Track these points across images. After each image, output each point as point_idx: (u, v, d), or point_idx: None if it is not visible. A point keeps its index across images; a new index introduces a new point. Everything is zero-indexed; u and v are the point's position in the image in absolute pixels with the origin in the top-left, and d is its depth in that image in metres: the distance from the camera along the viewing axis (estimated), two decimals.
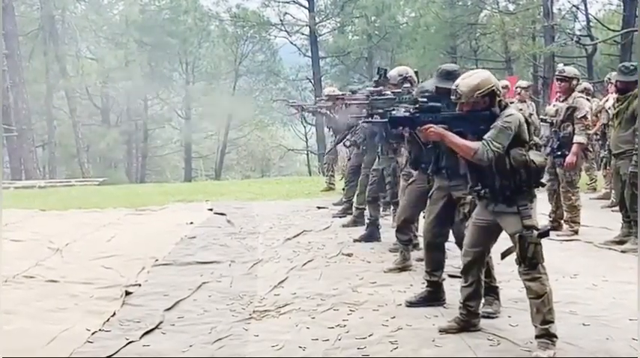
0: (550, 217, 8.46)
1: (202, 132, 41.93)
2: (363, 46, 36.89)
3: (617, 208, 8.10)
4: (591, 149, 9.81)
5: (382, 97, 5.99)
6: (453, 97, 4.47)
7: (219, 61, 40.80)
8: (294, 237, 8.40)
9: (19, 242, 8.53)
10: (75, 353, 4.58)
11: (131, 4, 35.42)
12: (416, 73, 6.99)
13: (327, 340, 4.72)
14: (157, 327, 5.10)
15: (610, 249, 7.39)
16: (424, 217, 5.68)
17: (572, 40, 26.98)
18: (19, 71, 27.31)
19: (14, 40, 27.30)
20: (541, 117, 9.60)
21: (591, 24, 30.83)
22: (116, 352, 4.56)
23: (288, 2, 36.52)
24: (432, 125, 4.38)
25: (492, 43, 33.06)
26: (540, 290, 4.38)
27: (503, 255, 4.65)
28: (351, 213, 9.34)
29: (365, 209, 8.48)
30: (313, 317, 5.25)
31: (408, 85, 6.70)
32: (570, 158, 7.95)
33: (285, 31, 37.36)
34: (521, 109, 10.94)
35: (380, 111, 5.97)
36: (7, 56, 26.82)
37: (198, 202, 12.19)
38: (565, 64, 28.50)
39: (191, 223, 9.58)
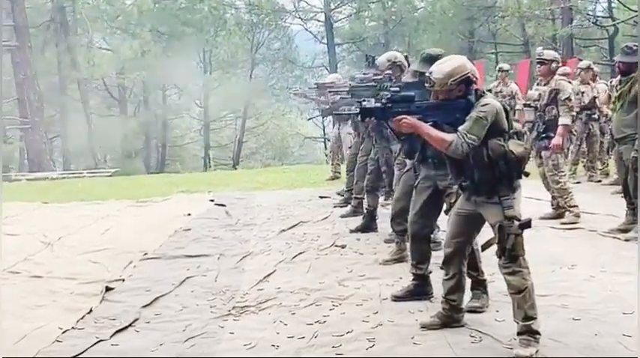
0: (553, 205, 8.21)
1: (221, 121, 41.87)
2: (379, 31, 36.71)
3: None
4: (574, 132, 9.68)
5: (362, 85, 5.73)
6: (426, 85, 4.28)
7: (235, 50, 40.41)
8: (290, 228, 8.23)
9: (14, 236, 8.43)
10: (41, 353, 4.46)
11: None
12: (406, 57, 6.76)
13: (303, 337, 4.57)
14: (130, 325, 4.99)
15: (614, 237, 7.12)
16: None
17: (590, 21, 26.48)
18: (30, 63, 27.26)
19: (24, 32, 27.25)
20: (524, 102, 9.43)
21: (613, 5, 30.29)
22: (82, 352, 4.43)
23: None
24: (404, 116, 4.18)
25: (510, 27, 32.45)
26: (521, 284, 4.15)
27: (484, 247, 4.46)
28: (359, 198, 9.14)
29: (364, 198, 8.28)
30: (293, 313, 5.09)
31: (398, 71, 6.49)
32: (556, 140, 7.75)
33: (300, 17, 37.08)
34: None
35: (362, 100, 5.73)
36: (17, 48, 26.84)
37: (202, 193, 12.04)
38: (585, 46, 27.99)
39: (189, 215, 9.44)
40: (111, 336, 4.71)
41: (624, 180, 7.20)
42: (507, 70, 13.62)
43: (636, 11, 27.31)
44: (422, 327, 4.61)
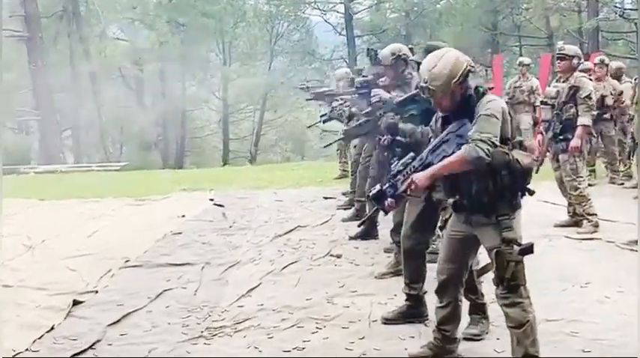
0: (569, 212, 7.63)
1: (240, 113, 41.49)
2: (400, 23, 35.83)
3: None
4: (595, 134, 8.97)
5: (355, 126, 5.23)
6: (425, 96, 3.70)
7: (255, 41, 40.04)
8: (286, 233, 7.74)
9: None
10: None
11: None
12: (411, 49, 6.21)
13: None
14: (91, 347, 4.53)
15: (632, 250, 6.53)
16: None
17: (617, 13, 25.62)
18: (41, 54, 26.91)
19: (36, 22, 26.90)
20: (541, 99, 8.77)
21: None
22: None
23: None
24: (411, 178, 3.60)
25: (534, 19, 31.51)
26: (522, 318, 3.62)
27: (479, 273, 3.93)
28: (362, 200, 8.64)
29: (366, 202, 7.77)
30: (271, 337, 4.60)
31: (402, 65, 5.95)
32: (575, 141, 7.11)
33: (319, 9, 36.54)
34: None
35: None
36: (28, 39, 26.56)
37: (204, 191, 11.59)
38: (612, 40, 27.07)
39: (183, 216, 8.98)
40: None
41: None
42: (528, 64, 12.95)
43: None
44: None
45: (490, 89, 3.69)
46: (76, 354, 4.37)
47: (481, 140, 3.35)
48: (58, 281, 6.03)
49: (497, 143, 3.40)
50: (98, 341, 4.60)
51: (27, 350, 4.47)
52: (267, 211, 9.33)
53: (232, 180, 13.48)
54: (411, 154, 3.77)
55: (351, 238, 7.28)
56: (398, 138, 4.60)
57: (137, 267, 6.49)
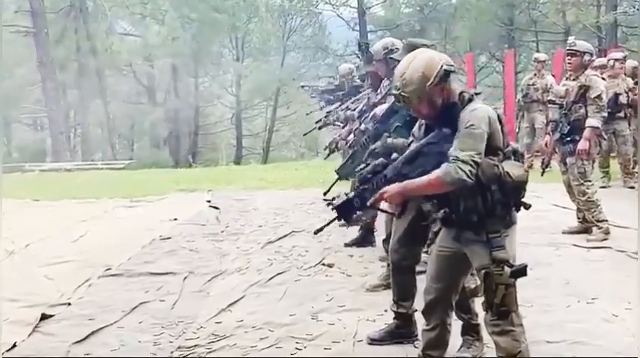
0: (578, 218, 7.21)
1: (253, 110, 41.26)
2: (414, 18, 35.31)
3: None
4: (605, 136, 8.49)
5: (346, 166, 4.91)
6: (400, 104, 3.34)
7: (267, 37, 39.76)
8: (279, 239, 7.38)
9: None
10: None
11: None
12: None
13: None
14: None
15: None
16: None
17: (636, 7, 25.02)
18: (47, 49, 26.63)
19: (41, 17, 26.64)
20: (549, 98, 8.32)
21: None
22: None
23: None
24: (383, 190, 3.21)
25: (550, 13, 30.91)
26: (512, 348, 3.24)
27: (469, 296, 3.54)
28: None
29: None
30: None
31: (394, 61, 5.56)
32: (582, 144, 6.67)
33: (331, 4, 36.16)
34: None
35: None
36: (34, 34, 26.35)
37: (201, 192, 11.25)
38: (631, 34, 26.39)
39: (175, 219, 8.64)
40: None
41: None
42: (544, 61, 12.41)
43: None
44: None
45: (477, 94, 3.28)
46: None
47: (463, 161, 2.97)
48: (32, 292, 5.69)
49: (480, 160, 3.02)
50: None
51: None
52: (263, 214, 8.98)
53: (234, 180, 13.16)
54: (381, 160, 3.37)
55: (346, 245, 6.93)
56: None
57: (117, 276, 6.14)
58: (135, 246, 7.23)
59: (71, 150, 28.03)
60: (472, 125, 3.05)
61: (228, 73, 40.05)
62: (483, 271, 3.19)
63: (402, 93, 3.18)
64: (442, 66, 3.16)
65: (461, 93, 3.22)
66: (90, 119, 29.66)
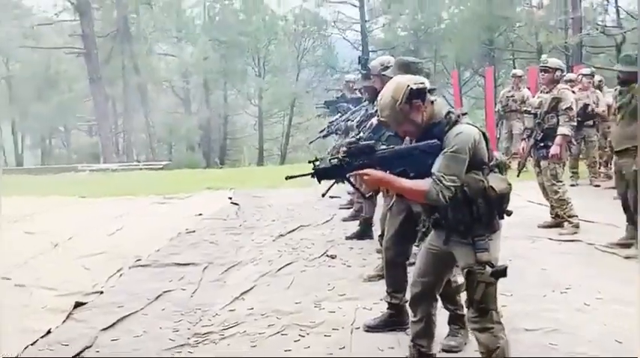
0: (552, 214, 6.91)
1: (272, 118, 41.18)
2: (409, 40, 34.97)
3: None
4: (574, 142, 8.22)
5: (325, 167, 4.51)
6: (385, 128, 3.10)
7: (284, 57, 39.72)
8: (289, 233, 7.09)
9: (30, 234, 7.54)
10: None
11: (207, 8, 34.79)
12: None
13: None
14: (79, 354, 3.91)
15: (613, 253, 5.79)
16: None
17: (598, 30, 24.64)
18: (97, 68, 26.52)
19: (92, 40, 26.50)
20: (524, 108, 8.06)
21: (621, 15, 28.40)
22: None
23: (341, 2, 35.12)
24: (367, 171, 2.88)
25: (525, 35, 30.56)
26: (492, 344, 2.93)
27: (456, 290, 3.24)
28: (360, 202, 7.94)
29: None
30: (254, 346, 3.95)
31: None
32: (554, 149, 6.48)
33: (338, 28, 35.96)
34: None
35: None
36: (86, 55, 26.21)
37: (225, 190, 10.98)
38: (594, 54, 26.04)
39: (200, 215, 8.37)
40: None
41: (624, 195, 5.86)
42: (521, 76, 12.12)
43: None
44: None
45: (464, 114, 2.97)
46: None
47: (446, 186, 2.73)
48: (70, 281, 5.44)
49: (458, 184, 2.77)
50: (88, 347, 3.99)
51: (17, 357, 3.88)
52: (277, 210, 8.72)
53: (254, 179, 12.89)
54: (372, 142, 3.08)
55: (347, 238, 6.64)
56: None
57: (146, 267, 5.87)
58: (164, 238, 6.99)
59: (117, 153, 27.85)
60: (457, 150, 2.76)
61: (252, 87, 39.97)
62: (466, 270, 2.91)
63: (381, 119, 2.97)
64: (409, 86, 2.87)
65: (448, 113, 2.91)
66: (134, 126, 29.50)
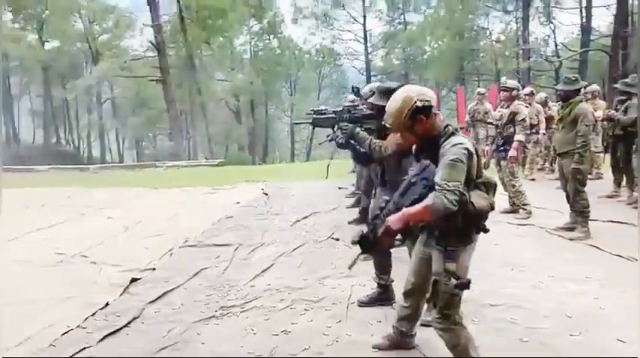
0: (510, 203, 6.37)
1: (301, 125, 40.63)
2: (401, 66, 34.48)
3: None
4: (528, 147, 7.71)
5: (322, 116, 3.94)
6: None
7: (309, 80, 39.56)
8: (304, 218, 6.62)
9: (110, 219, 7.16)
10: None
11: (252, 45, 34.48)
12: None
13: (260, 355, 2.99)
14: (128, 324, 3.50)
15: (560, 236, 5.25)
16: None
17: (542, 58, 24.05)
18: (170, 91, 26.19)
19: (167, 71, 26.22)
20: (488, 120, 7.54)
21: (559, 47, 27.79)
22: None
23: (350, 40, 34.92)
24: (386, 226, 2.33)
25: (487, 62, 29.91)
26: (454, 341, 2.46)
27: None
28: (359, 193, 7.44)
29: None
30: (267, 318, 3.51)
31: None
32: (512, 152, 6.04)
33: (348, 58, 35.66)
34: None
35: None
36: (162, 82, 25.94)
37: (259, 183, 10.54)
38: (538, 76, 25.43)
39: (238, 203, 7.94)
40: (98, 342, 3.24)
41: (565, 187, 5.37)
42: (483, 94, 11.48)
43: (575, 51, 24.63)
44: (373, 348, 2.97)
45: (461, 129, 2.46)
46: (108, 334, 3.33)
47: (449, 190, 2.16)
48: (132, 259, 5.02)
49: (464, 190, 2.21)
50: (135, 318, 3.59)
51: (79, 326, 3.47)
52: (298, 199, 8.23)
53: (284, 174, 12.46)
54: (385, 198, 2.51)
55: (349, 223, 6.16)
56: (352, 141, 3.49)
57: (191, 247, 5.44)
58: (208, 222, 6.55)
59: (187, 153, 27.54)
60: (456, 159, 2.22)
61: (285, 103, 39.95)
62: (433, 278, 2.41)
63: (387, 124, 2.46)
64: (415, 102, 2.36)
65: (446, 126, 2.39)
66: (198, 133, 29.26)
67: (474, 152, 2.31)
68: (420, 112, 2.36)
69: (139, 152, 37.58)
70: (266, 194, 8.71)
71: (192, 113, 28.28)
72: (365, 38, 34.31)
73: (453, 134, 2.34)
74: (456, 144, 2.26)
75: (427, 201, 2.21)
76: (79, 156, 35.30)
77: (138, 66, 30.49)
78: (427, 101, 2.38)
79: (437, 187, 2.19)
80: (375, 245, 2.45)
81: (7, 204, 8.48)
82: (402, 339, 2.90)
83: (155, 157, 27.70)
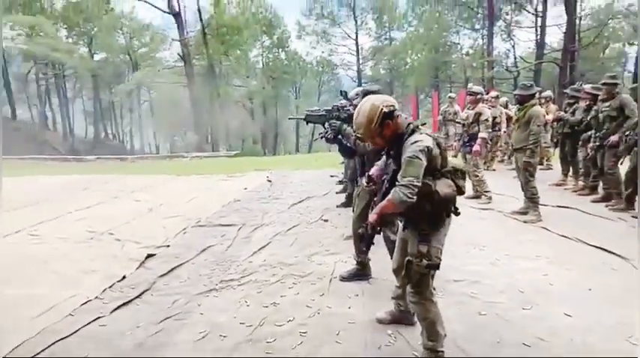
0: (473, 190, 6.10)
1: (303, 124, 40.18)
2: (386, 75, 33.89)
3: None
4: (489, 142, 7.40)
5: (314, 114, 3.67)
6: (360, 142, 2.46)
7: (311, 87, 38.98)
8: (300, 202, 6.36)
9: (137, 201, 6.90)
10: (45, 331, 2.79)
11: (264, 57, 33.89)
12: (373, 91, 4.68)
13: (251, 325, 2.76)
14: (139, 296, 3.27)
15: (515, 219, 4.99)
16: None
17: (503, 68, 23.61)
18: (195, 95, 25.79)
19: (192, 78, 25.84)
20: (457, 119, 7.25)
21: (517, 59, 27.32)
22: (71, 334, 2.74)
23: (345, 53, 34.25)
24: (371, 216, 2.14)
25: (457, 72, 29.38)
26: (424, 314, 2.24)
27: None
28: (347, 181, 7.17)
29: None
30: (260, 291, 3.28)
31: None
32: (476, 148, 5.75)
33: (343, 69, 35.14)
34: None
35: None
36: (189, 86, 25.58)
37: (265, 171, 10.26)
38: (500, 83, 24.95)
39: (245, 188, 7.67)
40: (112, 312, 3.02)
41: (520, 177, 5.10)
42: (453, 97, 11.15)
43: (530, 62, 24.17)
44: (377, 321, 2.72)
45: (423, 124, 2.20)
46: (122, 304, 3.12)
47: (404, 185, 1.99)
48: (151, 237, 4.78)
49: (419, 183, 2.00)
50: (146, 290, 3.37)
51: (96, 298, 3.25)
52: (295, 185, 7.96)
53: (287, 163, 12.14)
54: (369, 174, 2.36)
55: (337, 206, 5.91)
56: (339, 136, 3.28)
57: (202, 226, 5.18)
58: (219, 205, 6.29)
59: (209, 145, 27.15)
60: (413, 156, 2.03)
61: (291, 105, 39.14)
62: (407, 259, 2.18)
63: (357, 134, 2.22)
64: (382, 109, 2.12)
65: (408, 124, 2.16)
66: (218, 129, 28.84)
67: (433, 147, 2.09)
68: (387, 117, 2.15)
69: (172, 144, 37.23)
70: (270, 181, 8.44)
71: (213, 112, 27.82)
72: (357, 51, 33.97)
73: (414, 131, 2.13)
74: (414, 143, 2.07)
75: (389, 196, 2.04)
76: (123, 148, 34.99)
77: (169, 74, 30.06)
78: (391, 106, 2.17)
79: (396, 183, 2.03)
80: (371, 238, 2.22)
81: (59, 188, 8.26)
82: (402, 315, 2.67)
83: (185, 149, 27.39)
